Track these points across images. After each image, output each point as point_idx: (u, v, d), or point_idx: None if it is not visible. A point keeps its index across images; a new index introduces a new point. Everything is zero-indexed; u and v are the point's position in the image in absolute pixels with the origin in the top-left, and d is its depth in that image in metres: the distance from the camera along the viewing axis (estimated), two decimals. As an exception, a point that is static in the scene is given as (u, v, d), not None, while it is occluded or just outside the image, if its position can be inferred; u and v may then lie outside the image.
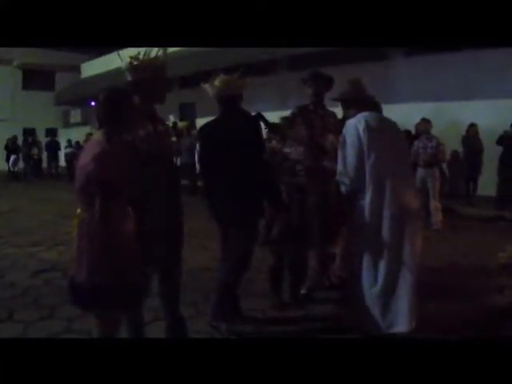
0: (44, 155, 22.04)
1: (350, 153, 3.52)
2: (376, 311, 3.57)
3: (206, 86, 3.83)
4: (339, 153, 3.62)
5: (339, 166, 3.61)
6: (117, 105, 2.70)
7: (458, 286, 5.06)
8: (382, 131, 3.56)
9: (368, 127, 3.48)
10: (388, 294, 3.52)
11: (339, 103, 3.89)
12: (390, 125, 3.73)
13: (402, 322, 3.52)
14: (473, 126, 10.59)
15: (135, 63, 3.25)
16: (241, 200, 3.66)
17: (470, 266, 5.92)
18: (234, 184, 3.64)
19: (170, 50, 3.40)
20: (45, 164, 22.25)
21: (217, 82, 3.77)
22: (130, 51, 3.15)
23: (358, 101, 3.73)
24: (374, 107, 3.91)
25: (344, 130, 3.62)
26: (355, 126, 3.52)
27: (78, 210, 2.69)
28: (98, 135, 2.73)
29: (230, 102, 3.77)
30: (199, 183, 13.49)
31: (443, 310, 4.29)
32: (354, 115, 3.67)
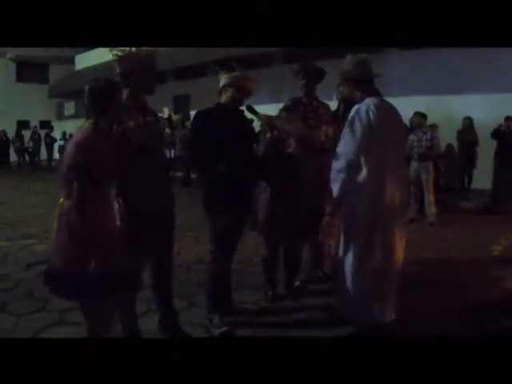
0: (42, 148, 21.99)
1: (356, 139, 3.42)
2: (357, 300, 3.59)
3: (223, 76, 3.77)
4: (344, 137, 3.52)
5: (339, 151, 3.53)
6: (103, 94, 2.75)
7: (453, 279, 5.07)
8: (390, 120, 3.52)
9: (379, 115, 3.41)
10: (367, 284, 3.53)
11: (333, 95, 3.84)
12: (396, 113, 3.67)
13: (379, 313, 3.53)
14: (467, 119, 10.59)
15: (121, 54, 3.25)
16: (224, 187, 3.64)
17: (464, 258, 5.93)
18: (219, 171, 3.63)
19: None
20: (42, 156, 22.11)
21: (237, 73, 3.72)
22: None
23: (363, 83, 3.62)
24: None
25: (353, 114, 3.50)
26: (366, 112, 3.43)
27: (61, 200, 2.73)
28: (85, 124, 2.77)
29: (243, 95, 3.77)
30: (193, 175, 13.50)
31: (437, 303, 4.29)
32: (360, 97, 3.59)
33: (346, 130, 3.53)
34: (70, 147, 2.69)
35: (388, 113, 3.56)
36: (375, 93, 3.62)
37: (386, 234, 3.48)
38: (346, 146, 3.50)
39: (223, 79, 3.75)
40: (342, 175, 3.51)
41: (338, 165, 3.55)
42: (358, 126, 3.45)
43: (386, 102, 3.66)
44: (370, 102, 3.51)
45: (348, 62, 3.68)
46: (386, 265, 3.50)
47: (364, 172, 3.44)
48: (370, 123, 3.41)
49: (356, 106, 3.56)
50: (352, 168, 3.46)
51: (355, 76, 3.63)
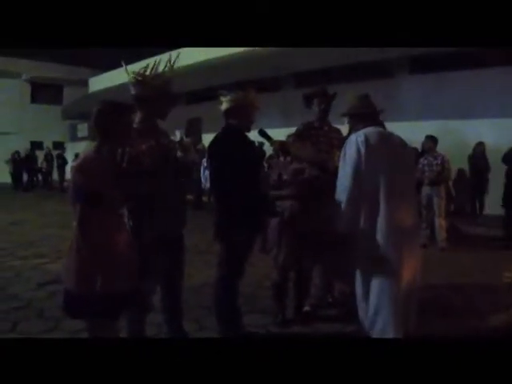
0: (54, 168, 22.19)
1: (348, 168, 3.49)
2: (366, 326, 3.61)
3: (223, 99, 3.82)
4: (340, 167, 3.61)
5: (338, 180, 3.60)
6: (107, 117, 2.77)
7: (464, 305, 5.03)
8: (383, 147, 3.52)
9: (367, 142, 3.45)
10: (374, 311, 3.52)
11: (344, 120, 3.89)
12: (393, 140, 3.67)
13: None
14: (480, 144, 10.51)
15: (140, 79, 3.28)
16: (239, 213, 3.67)
17: (475, 285, 5.88)
18: (230, 197, 3.67)
19: (176, 66, 3.41)
20: (55, 177, 22.27)
21: (232, 97, 3.77)
22: (138, 66, 3.16)
23: (365, 116, 3.70)
24: (382, 123, 3.89)
25: (345, 145, 3.61)
26: (355, 140, 3.49)
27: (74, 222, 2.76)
28: (89, 147, 2.80)
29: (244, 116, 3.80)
30: (204, 198, 13.56)
31: (448, 329, 4.25)
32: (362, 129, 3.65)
33: (340, 163, 3.61)
34: (73, 170, 2.73)
35: (383, 141, 3.57)
36: (374, 124, 3.68)
37: (393, 261, 3.45)
38: (341, 178, 3.56)
39: (225, 103, 3.80)
40: (344, 206, 3.53)
41: (340, 197, 3.57)
42: (348, 157, 3.51)
43: (383, 131, 3.72)
44: (361, 132, 3.56)
45: (350, 98, 3.79)
46: (391, 292, 3.47)
47: (364, 200, 3.46)
48: (358, 151, 3.45)
49: (348, 138, 3.65)
50: (353, 198, 3.47)
51: (357, 110, 3.72)
